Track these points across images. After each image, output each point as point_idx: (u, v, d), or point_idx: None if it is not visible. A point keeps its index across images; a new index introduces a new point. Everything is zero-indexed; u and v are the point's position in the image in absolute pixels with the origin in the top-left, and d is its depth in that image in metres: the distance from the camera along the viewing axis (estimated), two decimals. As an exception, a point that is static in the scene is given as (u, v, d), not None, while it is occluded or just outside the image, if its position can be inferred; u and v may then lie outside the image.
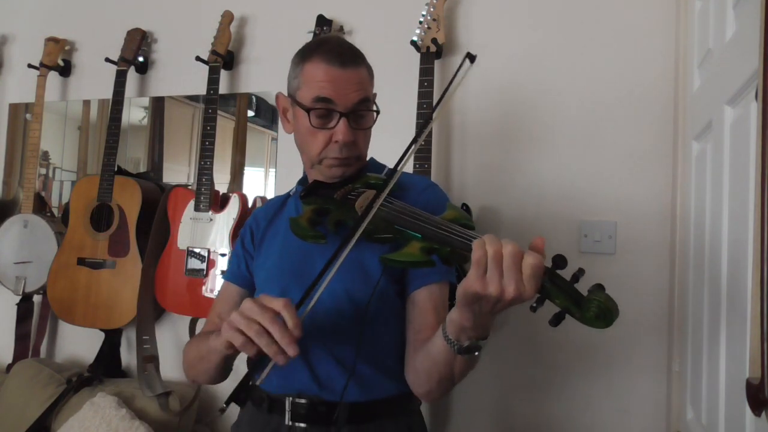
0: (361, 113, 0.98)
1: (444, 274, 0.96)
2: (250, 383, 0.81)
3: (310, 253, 0.97)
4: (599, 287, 0.65)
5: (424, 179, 1.08)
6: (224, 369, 1.01)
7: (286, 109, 1.04)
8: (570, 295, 0.65)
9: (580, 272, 0.67)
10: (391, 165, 1.13)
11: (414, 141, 0.94)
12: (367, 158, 1.12)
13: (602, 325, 0.63)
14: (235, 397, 0.80)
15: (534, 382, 1.53)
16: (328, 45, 0.97)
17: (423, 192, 1.01)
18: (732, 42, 0.95)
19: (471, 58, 0.88)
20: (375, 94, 1.06)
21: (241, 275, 1.12)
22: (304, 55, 0.98)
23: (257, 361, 0.77)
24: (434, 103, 1.53)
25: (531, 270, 0.64)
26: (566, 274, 0.67)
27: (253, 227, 1.13)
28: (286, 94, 1.04)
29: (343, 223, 0.91)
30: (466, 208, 1.54)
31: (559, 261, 0.67)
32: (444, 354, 0.79)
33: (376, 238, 0.82)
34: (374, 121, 1.02)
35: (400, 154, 1.12)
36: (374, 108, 1.01)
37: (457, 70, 0.89)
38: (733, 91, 0.90)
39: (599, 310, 0.63)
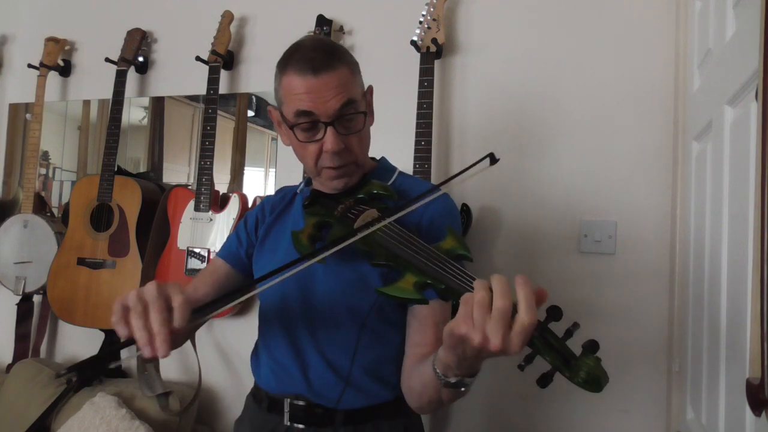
0: (347, 117, 0.92)
1: None
2: (106, 365, 0.73)
3: (312, 266, 0.96)
4: (592, 346, 0.62)
5: (431, 188, 1.04)
6: None
7: (279, 122, 0.99)
8: (561, 354, 0.63)
9: (575, 327, 0.64)
10: (397, 165, 1.12)
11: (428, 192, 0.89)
12: (378, 157, 1.10)
13: (592, 389, 0.61)
14: (80, 368, 0.72)
15: (533, 383, 1.53)
16: (300, 53, 0.90)
17: (430, 203, 0.96)
18: (732, 42, 0.94)
19: (492, 159, 0.84)
20: (370, 87, 1.01)
21: (238, 257, 1.09)
22: (280, 67, 0.93)
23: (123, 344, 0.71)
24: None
25: (521, 328, 0.60)
26: (561, 326, 0.64)
27: (260, 217, 1.11)
28: (275, 107, 0.99)
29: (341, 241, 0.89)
30: (466, 208, 1.54)
31: (554, 313, 0.63)
32: (433, 382, 0.78)
33: (374, 264, 0.81)
34: (365, 123, 0.96)
35: (399, 164, 1.11)
36: (361, 109, 0.94)
37: (474, 164, 0.86)
38: (733, 91, 0.90)
39: (588, 376, 0.61)
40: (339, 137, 0.91)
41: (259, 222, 1.10)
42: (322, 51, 0.90)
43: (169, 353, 0.68)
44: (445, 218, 0.97)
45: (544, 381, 0.64)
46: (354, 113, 0.93)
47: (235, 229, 1.14)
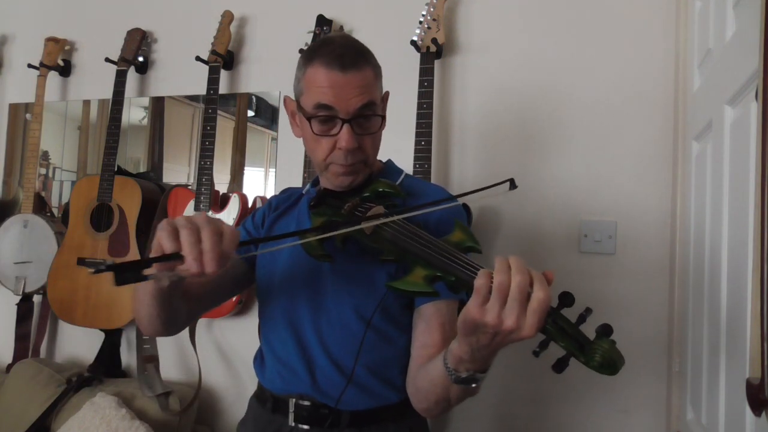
0: (365, 118, 0.93)
1: None
2: (143, 273, 0.67)
3: (319, 264, 0.96)
4: (605, 330, 0.62)
5: (441, 191, 1.05)
6: (163, 308, 0.89)
7: (294, 112, 1.00)
8: (575, 339, 0.62)
9: (588, 312, 0.64)
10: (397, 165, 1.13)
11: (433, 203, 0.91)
12: (384, 160, 1.11)
13: (608, 373, 0.61)
14: (123, 269, 0.64)
15: (534, 383, 1.53)
16: (330, 47, 0.91)
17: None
18: (732, 42, 0.95)
19: (512, 185, 0.86)
20: (387, 93, 1.02)
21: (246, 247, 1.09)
22: (306, 57, 0.94)
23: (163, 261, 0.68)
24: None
25: (537, 304, 0.61)
26: (573, 312, 0.64)
27: (266, 212, 1.12)
28: (293, 97, 1.00)
29: (350, 239, 0.88)
30: (466, 208, 1.54)
31: (566, 299, 0.63)
32: (442, 378, 0.77)
33: (383, 259, 0.81)
34: (381, 125, 0.97)
35: (399, 164, 1.11)
36: (379, 112, 0.96)
37: (493, 185, 0.87)
38: (733, 91, 0.90)
39: (603, 359, 0.61)
40: (354, 136, 0.92)
41: (265, 217, 1.12)
42: (351, 48, 0.92)
43: (216, 271, 0.67)
44: (452, 216, 0.97)
45: (559, 366, 0.64)
46: (372, 115, 0.94)
47: (243, 223, 1.15)
